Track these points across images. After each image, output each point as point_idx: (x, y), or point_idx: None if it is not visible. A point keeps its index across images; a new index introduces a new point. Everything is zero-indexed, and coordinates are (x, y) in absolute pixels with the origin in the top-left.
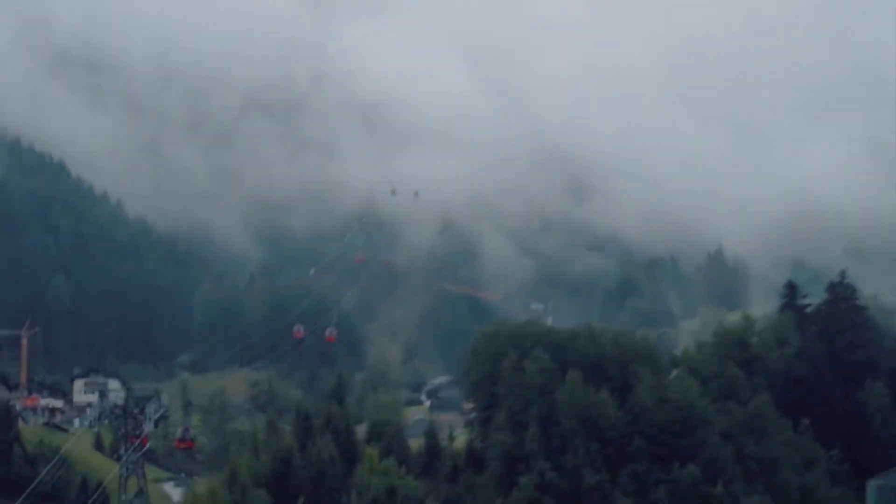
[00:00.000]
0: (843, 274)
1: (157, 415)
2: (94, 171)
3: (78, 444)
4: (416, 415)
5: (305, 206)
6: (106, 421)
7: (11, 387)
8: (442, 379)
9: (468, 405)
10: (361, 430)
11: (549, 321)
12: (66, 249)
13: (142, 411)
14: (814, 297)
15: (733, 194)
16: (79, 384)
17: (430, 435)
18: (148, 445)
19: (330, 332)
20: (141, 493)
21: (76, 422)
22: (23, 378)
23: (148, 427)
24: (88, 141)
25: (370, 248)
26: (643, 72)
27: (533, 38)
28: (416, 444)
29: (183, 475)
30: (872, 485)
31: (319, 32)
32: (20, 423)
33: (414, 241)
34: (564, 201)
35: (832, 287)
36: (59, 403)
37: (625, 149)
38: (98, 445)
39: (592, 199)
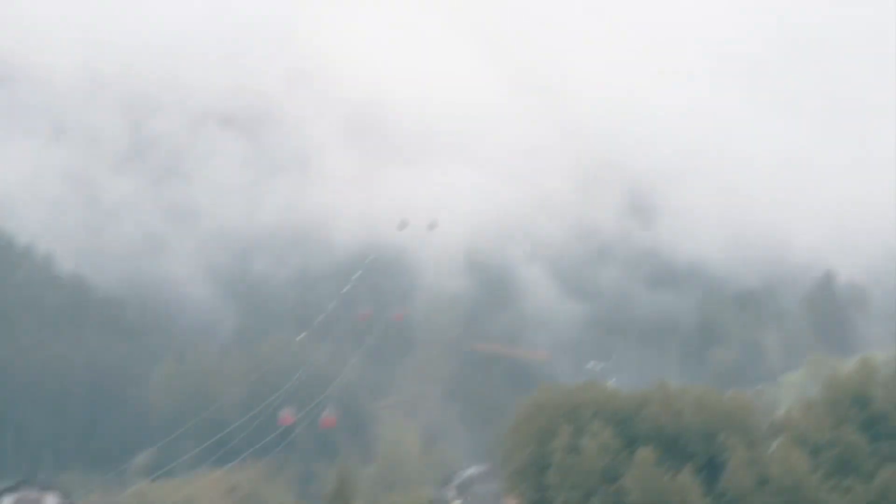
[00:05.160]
0: None
1: None
2: (13, 215)
3: None
4: None
5: (288, 248)
6: None
7: None
8: (475, 469)
9: (511, 501)
10: None
11: (612, 383)
12: None
13: None
14: None
15: (839, 200)
16: (7, 502)
17: None
18: None
19: (328, 414)
20: None
21: None
22: None
23: None
24: (2, 176)
25: (377, 300)
26: (711, 46)
27: (567, 9)
28: None
29: None
30: None
31: (289, 20)
32: None
33: (433, 287)
34: (623, 222)
35: None
36: None
37: (695, 150)
38: None
39: (659, 219)
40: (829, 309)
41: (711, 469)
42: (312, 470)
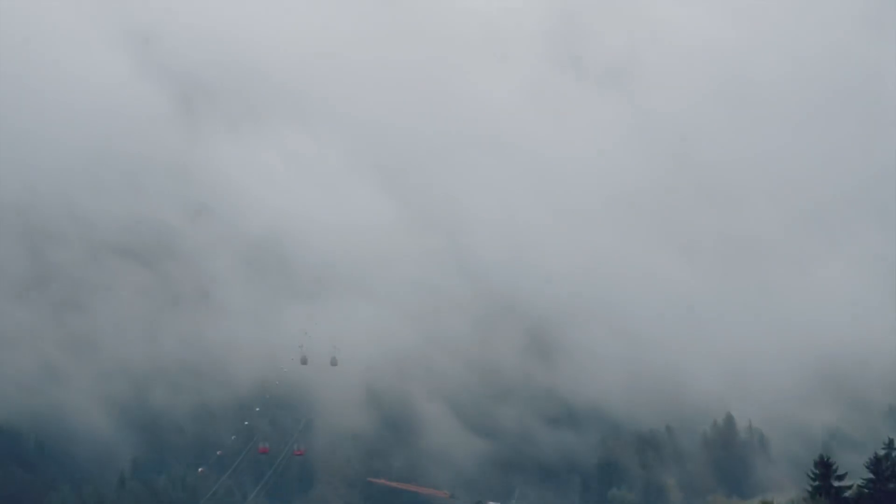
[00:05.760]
0: (890, 443)
1: None
2: None
3: None
4: None
5: (188, 380)
6: None
7: None
8: None
9: None
10: None
11: None
12: None
13: None
14: (854, 476)
15: (738, 344)
16: None
17: None
18: None
19: None
20: None
21: None
22: None
23: None
24: None
25: (276, 435)
26: (613, 190)
27: (465, 153)
28: None
29: None
30: None
31: (190, 154)
32: None
33: (333, 423)
34: (524, 361)
35: (876, 462)
36: None
37: (597, 292)
38: None
39: (560, 359)
40: (729, 451)
41: None
42: None
